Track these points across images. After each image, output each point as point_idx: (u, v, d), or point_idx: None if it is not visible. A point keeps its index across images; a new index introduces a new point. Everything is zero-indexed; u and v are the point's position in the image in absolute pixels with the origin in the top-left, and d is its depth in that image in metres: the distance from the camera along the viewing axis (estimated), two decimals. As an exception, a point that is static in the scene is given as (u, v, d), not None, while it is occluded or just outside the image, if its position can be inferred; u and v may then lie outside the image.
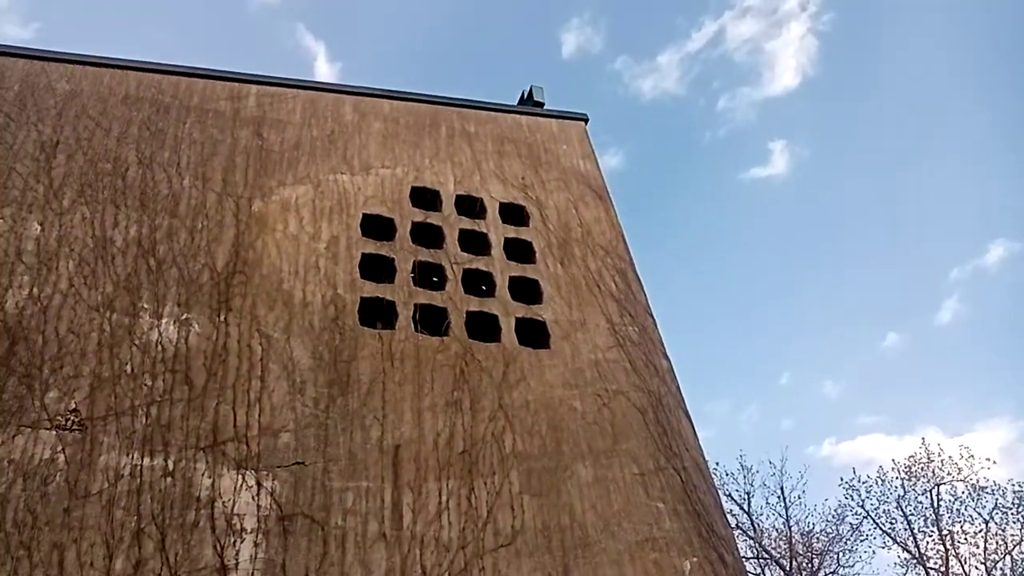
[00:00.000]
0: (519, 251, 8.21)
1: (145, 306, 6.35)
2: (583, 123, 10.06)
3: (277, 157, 7.95)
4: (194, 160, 7.60)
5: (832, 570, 26.03)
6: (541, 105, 10.07)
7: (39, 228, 6.58)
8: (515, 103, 10.21)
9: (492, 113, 9.55)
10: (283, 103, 8.57)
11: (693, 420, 7.58)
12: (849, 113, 49.69)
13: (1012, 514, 25.45)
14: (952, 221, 46.60)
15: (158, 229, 6.91)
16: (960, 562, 25.40)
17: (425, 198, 8.30)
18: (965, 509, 26.04)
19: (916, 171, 47.51)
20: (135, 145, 7.54)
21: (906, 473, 26.89)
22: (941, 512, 26.06)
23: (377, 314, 7.12)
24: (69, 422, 5.55)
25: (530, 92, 10.22)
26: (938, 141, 46.46)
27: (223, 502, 5.48)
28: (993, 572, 24.92)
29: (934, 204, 47.22)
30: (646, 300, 8.37)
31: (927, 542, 26.07)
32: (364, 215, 7.76)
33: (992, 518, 25.60)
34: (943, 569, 25.23)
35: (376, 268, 7.45)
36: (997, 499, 25.75)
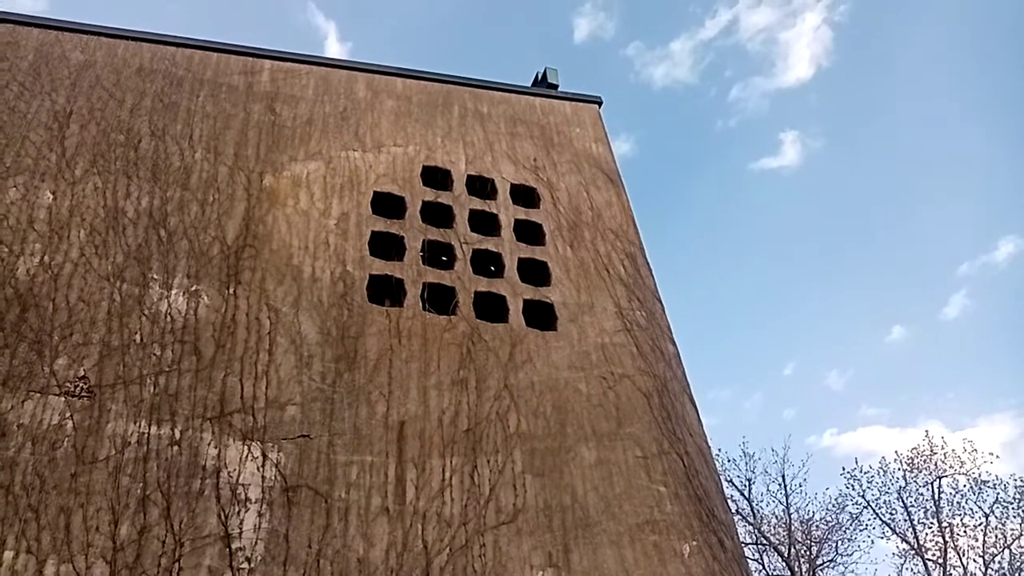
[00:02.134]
0: (529, 233, 8.21)
1: (155, 277, 6.39)
2: (597, 106, 10.02)
3: (289, 132, 7.96)
4: (206, 133, 7.62)
5: (830, 558, 26.13)
6: (555, 87, 10.03)
7: (51, 197, 6.61)
8: (527, 86, 10.17)
9: (505, 94, 9.53)
10: (297, 79, 8.56)
11: (698, 406, 7.61)
12: (862, 105, 49.35)
13: (1013, 508, 25.49)
14: (963, 216, 46.37)
15: (169, 201, 6.94)
16: (958, 554, 25.48)
17: (436, 177, 8.30)
18: (966, 502, 26.10)
19: (928, 165, 47.24)
20: (148, 117, 7.56)
21: (908, 465, 26.91)
22: (942, 504, 26.11)
23: (386, 291, 7.15)
24: (78, 389, 5.60)
25: (544, 74, 10.18)
26: (952, 135, 46.15)
27: (228, 472, 5.53)
28: (991, 565, 24.98)
29: (945, 199, 46.97)
30: (655, 285, 8.37)
31: (926, 534, 26.15)
32: (375, 193, 7.77)
33: (992, 512, 25.65)
34: (941, 561, 25.30)
35: (386, 246, 7.47)
36: (998, 493, 25.81)
